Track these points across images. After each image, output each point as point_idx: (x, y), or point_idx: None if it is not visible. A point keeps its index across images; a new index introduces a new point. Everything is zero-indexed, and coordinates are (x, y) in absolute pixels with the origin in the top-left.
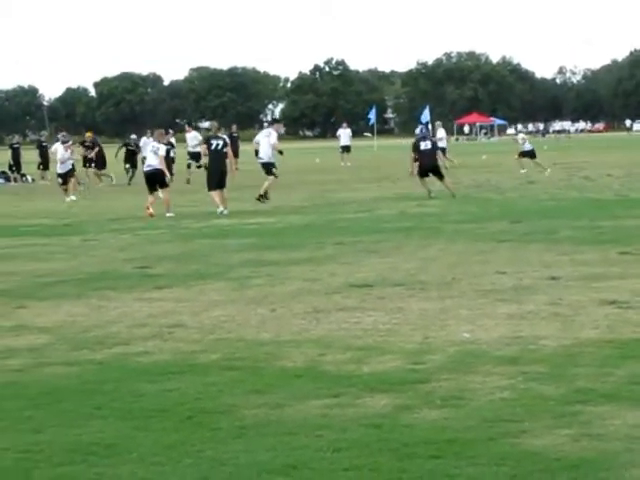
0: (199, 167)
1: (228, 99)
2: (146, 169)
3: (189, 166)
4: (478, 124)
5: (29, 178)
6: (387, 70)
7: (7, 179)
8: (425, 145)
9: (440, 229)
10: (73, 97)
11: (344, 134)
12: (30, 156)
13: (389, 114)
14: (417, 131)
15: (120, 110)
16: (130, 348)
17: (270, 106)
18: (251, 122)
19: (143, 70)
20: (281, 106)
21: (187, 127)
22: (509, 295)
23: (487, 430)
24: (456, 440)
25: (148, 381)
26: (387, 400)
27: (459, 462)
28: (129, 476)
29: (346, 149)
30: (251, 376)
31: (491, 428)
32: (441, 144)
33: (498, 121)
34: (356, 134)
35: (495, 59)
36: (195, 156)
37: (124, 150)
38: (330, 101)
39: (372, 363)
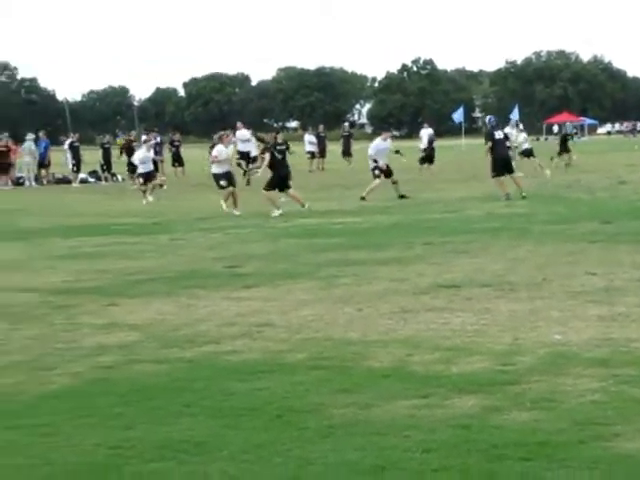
0: (245, 172)
1: (315, 99)
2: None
3: (239, 165)
4: (568, 123)
5: (119, 177)
6: (475, 69)
7: (98, 178)
8: (499, 135)
9: (529, 230)
10: (163, 97)
11: (425, 134)
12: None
13: (477, 113)
14: (487, 119)
15: (208, 110)
16: (219, 347)
17: (357, 106)
18: (338, 122)
19: (231, 70)
20: (368, 106)
21: (238, 124)
22: (600, 296)
23: (578, 433)
24: (547, 443)
25: (238, 380)
26: (476, 401)
27: (550, 465)
28: (219, 474)
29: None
30: (339, 375)
31: (582, 431)
32: (526, 145)
33: (588, 121)
34: (444, 134)
35: (586, 58)
36: (244, 155)
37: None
38: (417, 101)
39: (460, 364)
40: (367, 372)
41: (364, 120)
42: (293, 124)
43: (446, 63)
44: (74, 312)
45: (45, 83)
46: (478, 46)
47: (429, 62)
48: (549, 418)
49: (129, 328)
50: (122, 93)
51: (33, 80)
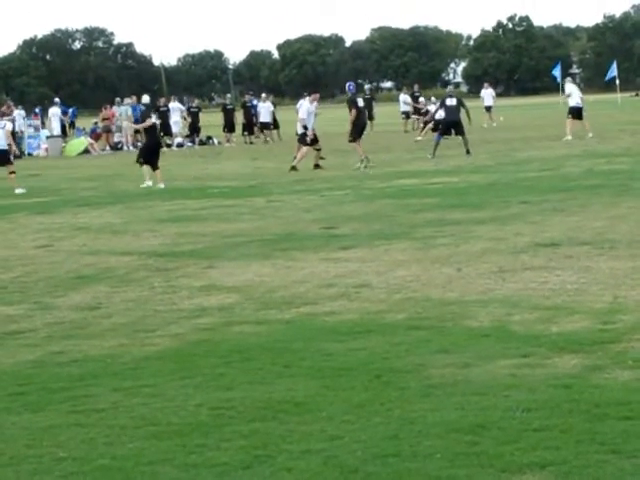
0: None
1: (410, 58)
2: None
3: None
4: None
5: (215, 141)
6: (572, 25)
7: (192, 142)
8: (361, 102)
9: (629, 187)
10: (257, 60)
11: (487, 94)
12: (216, 119)
13: (574, 70)
14: (347, 86)
15: (303, 72)
16: (317, 308)
17: (452, 65)
18: (433, 81)
19: (325, 31)
20: (463, 64)
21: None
22: None
23: None
24: None
25: (336, 340)
26: (577, 360)
27: None
28: (319, 434)
29: (488, 109)
30: (437, 336)
31: None
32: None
33: None
34: (541, 91)
35: None
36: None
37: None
38: (513, 58)
39: (561, 323)
40: (466, 332)
41: (459, 79)
42: (387, 84)
43: (542, 19)
44: (173, 275)
45: (141, 48)
46: (575, 1)
47: (525, 19)
48: None
49: (228, 290)
50: (217, 57)
51: (129, 45)
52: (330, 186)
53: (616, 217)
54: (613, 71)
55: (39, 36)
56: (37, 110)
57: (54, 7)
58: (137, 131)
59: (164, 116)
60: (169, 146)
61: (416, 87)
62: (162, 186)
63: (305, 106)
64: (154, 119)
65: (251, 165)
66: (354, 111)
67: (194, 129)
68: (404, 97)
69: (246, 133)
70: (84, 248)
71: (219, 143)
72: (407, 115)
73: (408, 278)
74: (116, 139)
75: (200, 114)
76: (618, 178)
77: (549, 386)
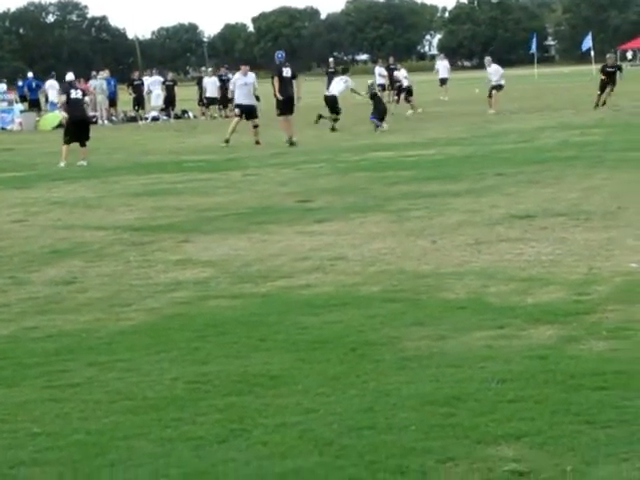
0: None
1: (385, 31)
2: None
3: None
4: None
5: (190, 114)
6: None
7: (168, 116)
8: (286, 72)
9: (603, 158)
10: (232, 33)
11: (442, 66)
12: (191, 92)
13: (550, 42)
14: (276, 55)
15: (278, 45)
16: (293, 281)
17: (427, 37)
18: (409, 54)
19: (300, 4)
20: (439, 37)
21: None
22: None
23: None
24: (624, 372)
25: (311, 314)
26: (552, 331)
27: (627, 394)
28: (295, 407)
29: (443, 82)
30: (413, 308)
31: None
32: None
33: None
34: (516, 64)
35: None
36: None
37: None
38: (489, 30)
39: (536, 294)
40: (442, 304)
41: (434, 51)
42: (363, 57)
43: None
44: (149, 249)
45: (115, 21)
46: None
47: None
48: (626, 347)
49: (203, 264)
50: (191, 30)
51: (103, 19)
52: (305, 159)
53: (590, 188)
54: (588, 42)
55: (12, 9)
56: (20, 83)
57: None
58: (112, 105)
59: (138, 90)
60: (145, 119)
61: (391, 60)
62: (84, 164)
63: (234, 77)
64: (75, 94)
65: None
66: (276, 80)
67: (169, 103)
68: (379, 70)
69: (221, 106)
70: (59, 223)
71: (195, 117)
72: (383, 87)
73: (383, 251)
74: (91, 113)
75: (175, 88)
76: (592, 150)
77: (524, 357)
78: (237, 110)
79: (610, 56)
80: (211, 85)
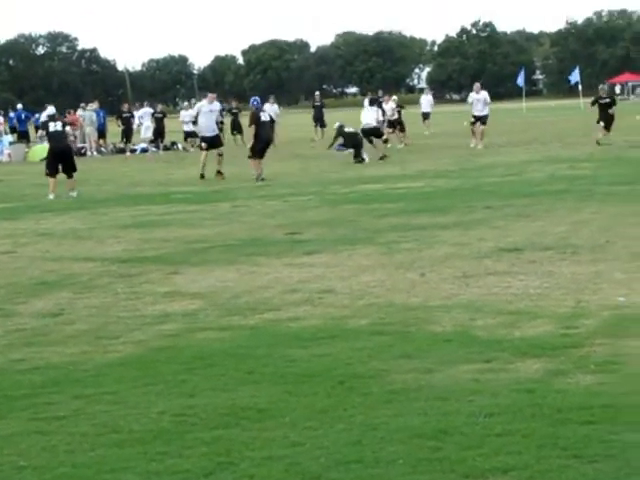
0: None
1: (374, 64)
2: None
3: None
4: (630, 83)
5: (179, 146)
6: (535, 31)
7: (157, 147)
8: (264, 117)
9: (592, 192)
10: (222, 65)
11: (425, 101)
12: (180, 124)
13: (538, 75)
14: (251, 101)
15: (267, 77)
16: (281, 314)
17: (417, 70)
18: (398, 87)
19: (290, 37)
20: (428, 70)
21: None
22: None
23: None
24: (611, 406)
25: (299, 346)
26: (539, 365)
27: (614, 428)
28: (282, 440)
29: (425, 116)
30: (401, 341)
31: None
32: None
33: None
34: (504, 97)
35: None
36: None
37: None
38: (477, 64)
39: (523, 327)
40: (429, 337)
41: (423, 84)
42: (352, 90)
43: (506, 25)
44: (137, 281)
45: (105, 53)
46: (538, 7)
47: (488, 24)
48: (613, 381)
49: (192, 296)
50: (181, 62)
51: (93, 50)
52: (293, 191)
53: (579, 222)
54: (576, 76)
55: (2, 41)
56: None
57: (17, 12)
58: (101, 136)
59: (127, 122)
60: (133, 151)
61: (380, 93)
62: (74, 195)
63: (197, 106)
64: (54, 127)
65: (216, 170)
66: (253, 128)
67: (158, 134)
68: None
69: None
70: (47, 254)
71: (183, 149)
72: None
73: (372, 283)
74: (79, 144)
75: (165, 119)
76: (581, 183)
77: (512, 391)
78: (203, 144)
79: (602, 87)
80: (189, 119)
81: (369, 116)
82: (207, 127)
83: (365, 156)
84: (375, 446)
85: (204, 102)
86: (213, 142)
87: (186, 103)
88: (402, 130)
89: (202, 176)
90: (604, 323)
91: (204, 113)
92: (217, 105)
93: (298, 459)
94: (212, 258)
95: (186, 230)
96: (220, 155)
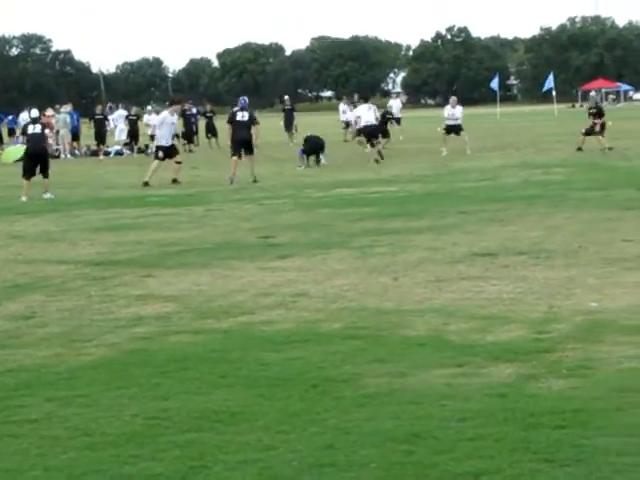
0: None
1: (350, 68)
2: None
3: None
4: (604, 90)
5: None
6: (510, 37)
7: (131, 150)
8: (241, 116)
9: (565, 197)
10: (196, 68)
11: (394, 105)
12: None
13: (512, 81)
14: (240, 100)
15: (243, 81)
16: (255, 317)
17: (392, 75)
18: (373, 91)
19: (265, 40)
20: (403, 74)
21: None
22: (636, 263)
23: (615, 400)
24: (583, 410)
25: (273, 350)
26: (512, 369)
27: (586, 432)
28: (255, 444)
29: (397, 122)
30: (374, 345)
31: (619, 398)
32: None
33: (624, 87)
34: (479, 102)
35: (621, 23)
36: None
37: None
38: (452, 69)
39: (496, 332)
40: (402, 341)
41: (398, 89)
42: (327, 94)
43: (480, 31)
44: (110, 284)
45: (79, 55)
46: (512, 13)
47: (463, 30)
48: (585, 386)
49: (165, 299)
50: (156, 64)
51: (67, 52)
52: (268, 195)
53: (552, 227)
54: (550, 82)
55: None
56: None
57: None
58: (75, 139)
59: (99, 124)
60: (107, 154)
61: (356, 97)
62: (50, 196)
63: (162, 116)
64: (33, 129)
65: (190, 174)
66: (228, 126)
67: (132, 137)
68: (343, 107)
69: (185, 142)
70: (20, 257)
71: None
72: (347, 124)
73: (345, 287)
74: (53, 146)
75: (139, 122)
76: (555, 189)
77: (484, 395)
78: (161, 153)
79: (593, 95)
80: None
81: (369, 115)
82: (167, 137)
83: (322, 157)
84: (348, 450)
85: (167, 113)
86: (170, 152)
87: (149, 107)
88: (385, 136)
89: (146, 183)
90: (576, 328)
91: (168, 124)
92: (175, 118)
93: (271, 463)
94: (186, 261)
95: (160, 233)
96: (179, 163)
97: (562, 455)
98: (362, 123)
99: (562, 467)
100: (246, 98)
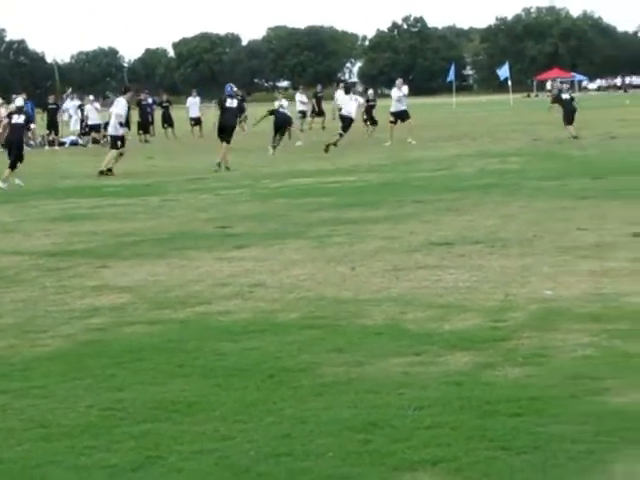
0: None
1: (306, 58)
2: None
3: None
4: (559, 80)
5: (108, 139)
6: (465, 27)
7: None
8: (230, 103)
9: (521, 186)
10: (152, 58)
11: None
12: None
13: (468, 71)
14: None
15: (199, 70)
16: (211, 307)
17: (348, 64)
18: (330, 81)
19: (221, 30)
20: (359, 64)
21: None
22: (591, 252)
23: (570, 387)
24: (538, 398)
25: (230, 340)
26: (468, 358)
27: (541, 420)
28: (212, 434)
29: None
30: (331, 334)
31: (574, 385)
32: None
33: (578, 77)
34: (435, 92)
35: (575, 14)
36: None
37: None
38: (408, 59)
39: (453, 321)
40: (360, 330)
41: (355, 79)
42: (284, 84)
43: (436, 21)
44: (65, 275)
45: (34, 45)
46: (468, 3)
47: (419, 20)
48: (541, 373)
49: (121, 290)
50: (111, 54)
51: (21, 42)
52: (225, 185)
53: (507, 216)
54: (505, 72)
55: None
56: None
57: None
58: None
59: (53, 113)
60: (62, 144)
61: (319, 87)
62: (2, 185)
63: (122, 103)
64: (16, 119)
65: (146, 164)
66: (220, 111)
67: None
68: (300, 97)
69: (141, 132)
70: None
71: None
72: (304, 114)
73: (302, 277)
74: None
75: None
76: (510, 177)
77: (441, 383)
78: (120, 142)
79: (555, 84)
80: (92, 112)
81: (351, 106)
82: (120, 128)
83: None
84: (305, 439)
85: (122, 99)
86: (124, 141)
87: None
88: (373, 123)
89: (110, 171)
90: (532, 316)
91: (124, 115)
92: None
93: (228, 452)
94: (142, 252)
95: (116, 224)
96: (122, 155)
97: (518, 443)
98: (343, 112)
99: (518, 454)
100: (232, 85)
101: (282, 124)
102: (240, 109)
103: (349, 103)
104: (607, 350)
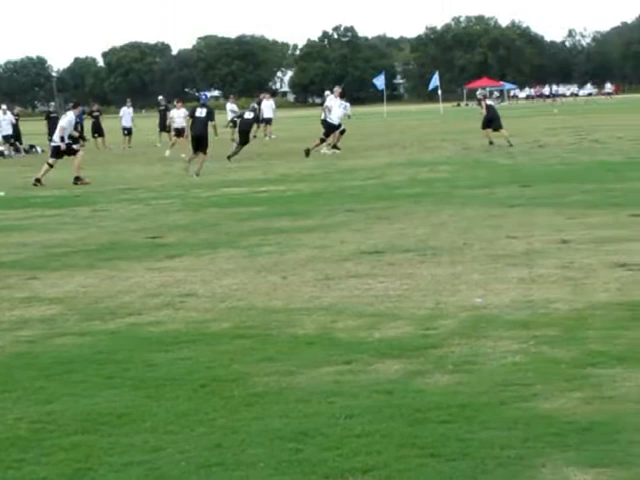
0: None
1: (237, 67)
2: None
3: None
4: (488, 89)
5: (38, 149)
6: (396, 36)
7: (17, 150)
8: (199, 113)
9: (451, 194)
10: (82, 67)
11: (266, 106)
12: (40, 127)
13: (399, 80)
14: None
15: (129, 80)
16: (142, 318)
17: (279, 74)
18: (260, 90)
19: (151, 39)
20: (290, 74)
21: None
22: (520, 259)
23: (499, 394)
24: (468, 405)
25: (160, 350)
26: (399, 366)
27: (471, 427)
28: (142, 445)
29: (267, 122)
30: (262, 344)
31: (503, 392)
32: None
33: (508, 85)
34: (366, 101)
35: (504, 23)
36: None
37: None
38: (339, 68)
39: (384, 329)
40: (291, 340)
41: (286, 88)
42: (215, 93)
43: (367, 30)
44: None
45: None
46: (398, 13)
47: (350, 29)
48: (470, 380)
49: (50, 301)
50: (40, 63)
51: None
52: (155, 195)
53: (438, 224)
54: (435, 81)
55: None
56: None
57: None
58: None
59: None
60: None
61: (262, 96)
62: None
63: (69, 116)
64: None
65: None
66: (190, 121)
67: (16, 137)
68: (231, 106)
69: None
70: None
71: (43, 151)
72: (234, 124)
73: (234, 287)
74: None
75: (18, 122)
76: (440, 186)
77: (372, 392)
78: (57, 154)
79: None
80: (5, 123)
81: (339, 113)
82: (59, 140)
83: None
84: (236, 449)
85: (70, 113)
86: (60, 154)
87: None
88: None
89: (39, 180)
90: (462, 324)
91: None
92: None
93: (158, 464)
94: (72, 263)
95: (45, 235)
96: (50, 166)
97: (448, 449)
98: (329, 118)
99: (448, 461)
100: (207, 94)
101: (248, 127)
102: (209, 117)
103: (337, 110)
104: (535, 356)
